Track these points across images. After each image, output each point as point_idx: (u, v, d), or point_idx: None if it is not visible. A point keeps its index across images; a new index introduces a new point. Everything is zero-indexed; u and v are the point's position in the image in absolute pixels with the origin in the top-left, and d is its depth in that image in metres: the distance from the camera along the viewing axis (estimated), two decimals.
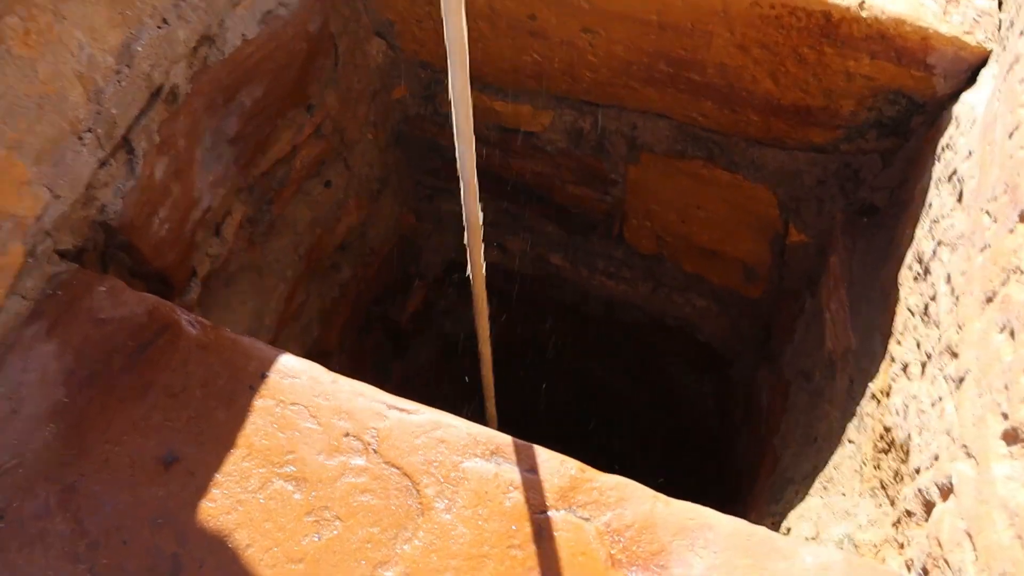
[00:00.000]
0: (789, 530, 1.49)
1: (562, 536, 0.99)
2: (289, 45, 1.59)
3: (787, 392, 1.87)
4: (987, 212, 1.05)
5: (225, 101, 1.46)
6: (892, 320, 1.45)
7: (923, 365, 1.16)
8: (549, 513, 1.01)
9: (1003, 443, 0.85)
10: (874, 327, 1.57)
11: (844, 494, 1.38)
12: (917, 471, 1.04)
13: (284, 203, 1.85)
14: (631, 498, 1.02)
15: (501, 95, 2.00)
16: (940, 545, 0.90)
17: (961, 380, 0.98)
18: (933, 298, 1.20)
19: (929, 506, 0.97)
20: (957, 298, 1.07)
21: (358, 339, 2.41)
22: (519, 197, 2.38)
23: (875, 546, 1.15)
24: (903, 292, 1.40)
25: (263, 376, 1.09)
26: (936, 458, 0.99)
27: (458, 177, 1.13)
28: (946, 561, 0.88)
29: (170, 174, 1.34)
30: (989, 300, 0.97)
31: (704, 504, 1.02)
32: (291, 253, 1.90)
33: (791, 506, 1.54)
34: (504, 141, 2.15)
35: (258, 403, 1.07)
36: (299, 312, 1.98)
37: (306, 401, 1.07)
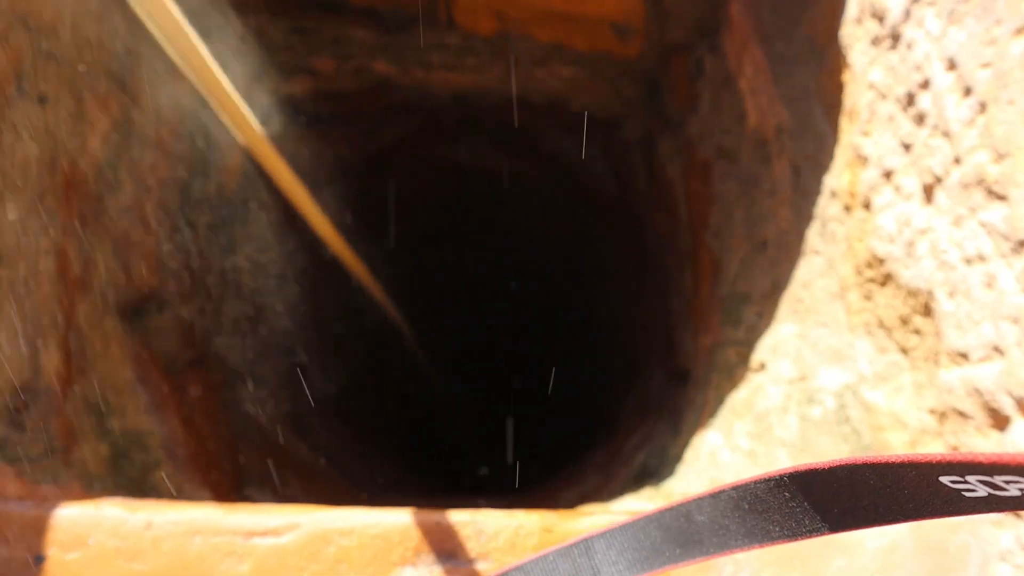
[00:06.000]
0: (763, 365, 1.27)
1: None
2: None
3: (709, 175, 1.56)
4: None
5: None
6: (838, 90, 1.12)
7: (928, 189, 0.85)
8: None
9: None
10: (808, 95, 1.23)
11: (827, 325, 1.14)
12: (964, 356, 0.78)
13: None
14: None
15: None
16: None
17: (1023, 244, 0.69)
18: (925, 86, 0.86)
19: (999, 418, 0.73)
20: (982, 105, 0.74)
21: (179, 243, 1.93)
22: (310, 11, 1.81)
23: (902, 423, 0.92)
24: (854, 57, 1.05)
25: (39, 560, 0.71)
26: (998, 351, 0.72)
27: None
28: None
29: None
30: None
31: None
32: (34, 204, 1.37)
33: (756, 333, 1.31)
34: None
35: None
36: (87, 277, 1.49)
37: None
